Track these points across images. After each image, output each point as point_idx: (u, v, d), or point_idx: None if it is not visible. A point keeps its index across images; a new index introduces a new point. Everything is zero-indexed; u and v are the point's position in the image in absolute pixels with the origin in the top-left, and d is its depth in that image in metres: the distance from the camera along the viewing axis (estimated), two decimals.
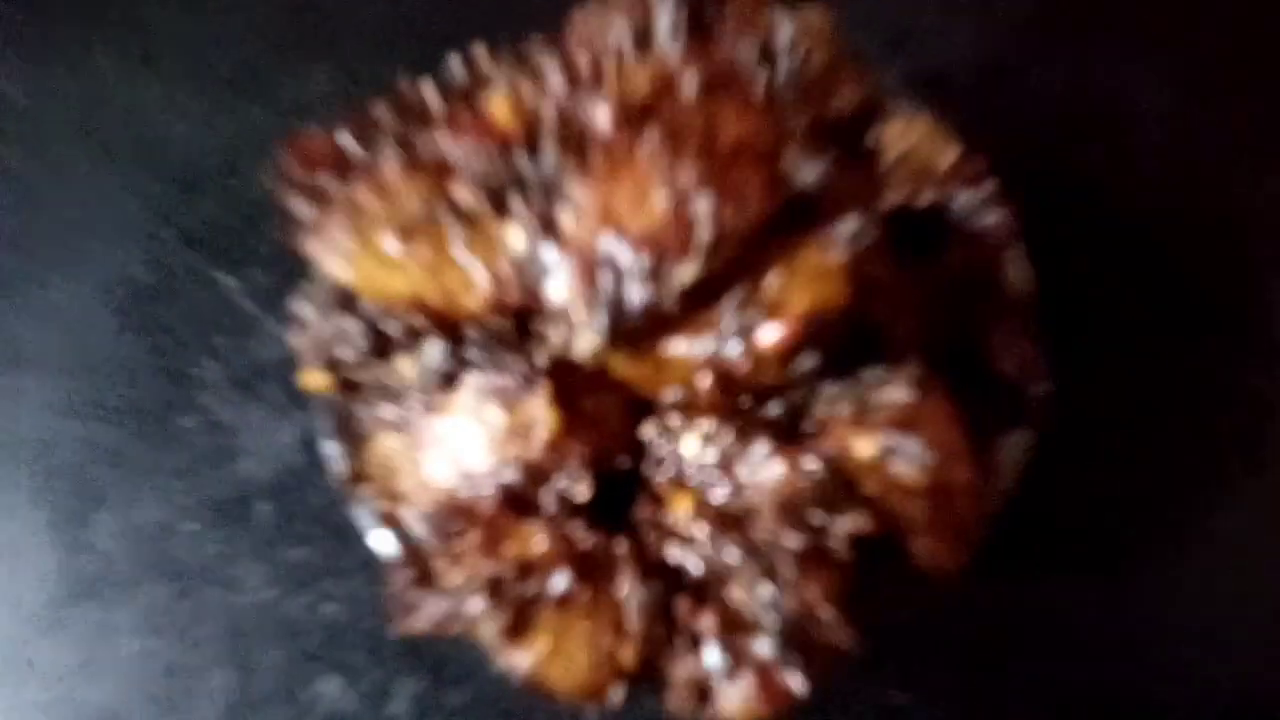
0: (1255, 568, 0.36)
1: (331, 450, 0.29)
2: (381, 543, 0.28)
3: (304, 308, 0.28)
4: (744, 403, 0.25)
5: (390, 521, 0.28)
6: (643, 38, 0.29)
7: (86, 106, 0.43)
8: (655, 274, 0.23)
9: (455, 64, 0.30)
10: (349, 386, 0.28)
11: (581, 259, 0.24)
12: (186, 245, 0.40)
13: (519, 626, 0.24)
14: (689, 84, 0.26)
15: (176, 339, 0.39)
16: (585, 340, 0.24)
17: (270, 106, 0.42)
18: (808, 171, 0.25)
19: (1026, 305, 0.29)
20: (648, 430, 0.26)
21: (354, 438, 0.29)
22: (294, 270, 0.28)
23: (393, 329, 0.27)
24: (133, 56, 0.44)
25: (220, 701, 0.35)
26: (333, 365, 0.28)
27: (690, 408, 0.25)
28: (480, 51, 0.30)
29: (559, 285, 0.24)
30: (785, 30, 0.29)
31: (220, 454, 0.37)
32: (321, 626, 0.35)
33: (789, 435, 0.25)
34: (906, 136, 0.30)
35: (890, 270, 0.26)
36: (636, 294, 0.23)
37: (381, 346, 0.28)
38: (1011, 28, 0.43)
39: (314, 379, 0.28)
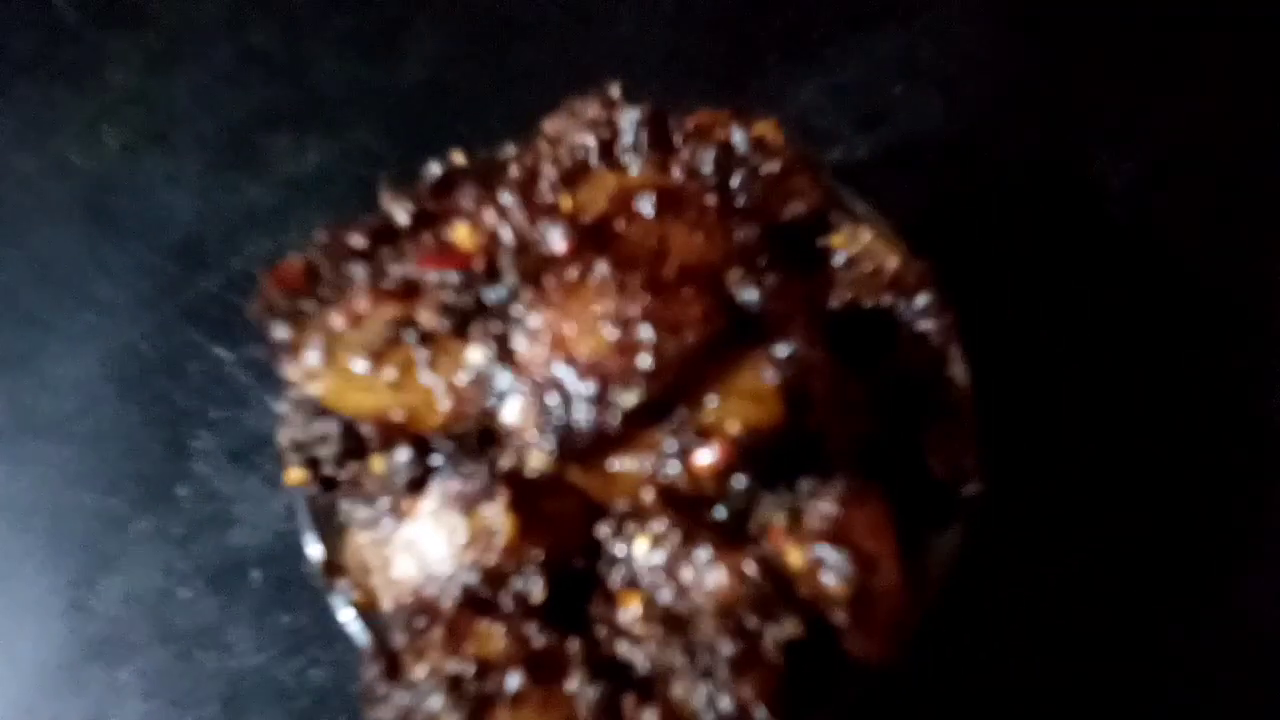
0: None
1: (310, 542, 0.31)
2: (356, 630, 0.30)
3: (286, 409, 0.30)
4: (691, 505, 0.27)
5: (363, 612, 0.29)
6: (607, 147, 0.30)
7: (94, 182, 0.45)
8: (601, 399, 0.25)
9: (431, 169, 0.32)
10: (328, 483, 0.30)
11: (534, 384, 0.25)
12: (186, 319, 0.42)
13: None
14: (644, 205, 0.28)
15: (176, 410, 0.41)
16: (536, 459, 0.25)
17: (267, 182, 0.45)
18: (749, 293, 0.27)
19: (965, 405, 0.30)
20: (602, 530, 0.27)
21: (334, 529, 0.31)
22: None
23: (367, 431, 0.29)
24: (138, 133, 0.46)
25: None
26: (313, 463, 0.30)
27: (640, 513, 0.27)
28: (456, 158, 0.32)
29: (513, 407, 0.26)
30: (741, 142, 0.30)
31: (216, 522, 0.39)
32: (310, 690, 0.37)
33: (733, 538, 0.26)
34: (853, 243, 0.31)
35: (829, 379, 0.27)
36: (583, 418, 0.25)
37: (357, 447, 0.29)
38: (978, 104, 0.44)
39: (295, 476, 0.30)
